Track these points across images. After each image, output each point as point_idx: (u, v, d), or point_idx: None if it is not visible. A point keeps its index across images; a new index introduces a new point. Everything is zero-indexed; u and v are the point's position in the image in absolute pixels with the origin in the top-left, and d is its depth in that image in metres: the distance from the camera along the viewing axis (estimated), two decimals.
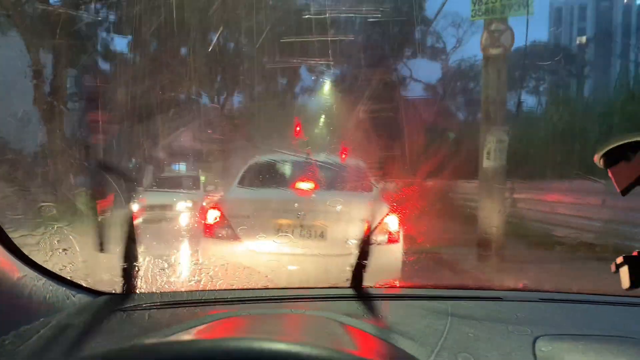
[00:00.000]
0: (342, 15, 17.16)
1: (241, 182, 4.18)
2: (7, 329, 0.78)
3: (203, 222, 3.54)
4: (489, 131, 6.41)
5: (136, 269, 1.05)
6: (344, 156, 5.21)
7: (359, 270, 1.18)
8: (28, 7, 9.94)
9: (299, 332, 0.74)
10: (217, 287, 1.09)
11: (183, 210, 8.14)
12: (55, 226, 0.95)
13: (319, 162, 4.38)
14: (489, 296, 1.13)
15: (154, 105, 11.89)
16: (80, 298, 0.98)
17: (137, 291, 1.07)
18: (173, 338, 0.43)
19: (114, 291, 1.05)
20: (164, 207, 7.96)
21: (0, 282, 0.83)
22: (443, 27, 20.00)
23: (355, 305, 1.04)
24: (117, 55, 14.18)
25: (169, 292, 1.07)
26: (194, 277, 1.13)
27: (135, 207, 7.63)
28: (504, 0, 6.63)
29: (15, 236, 0.91)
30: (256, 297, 1.07)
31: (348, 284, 1.23)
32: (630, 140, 0.73)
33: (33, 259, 0.92)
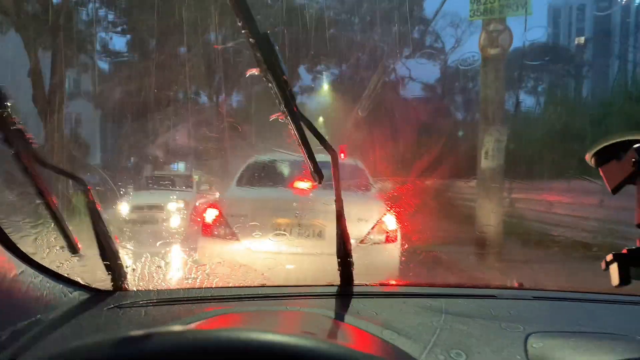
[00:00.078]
0: (341, 15, 17.19)
1: (240, 182, 4.19)
2: (4, 325, 0.78)
3: (201, 221, 3.55)
4: (487, 131, 6.42)
5: (133, 266, 1.06)
6: (342, 156, 5.22)
7: (345, 268, 1.19)
8: (27, 6, 9.93)
9: (294, 328, 0.75)
10: (214, 285, 1.10)
11: (174, 210, 7.71)
12: (52, 224, 0.95)
13: (318, 161, 4.38)
14: (483, 294, 1.14)
15: (147, 104, 11.85)
16: (77, 295, 0.99)
17: (134, 289, 1.08)
18: (164, 329, 0.43)
19: (111, 289, 1.06)
20: (152, 207, 7.57)
21: None
22: (442, 27, 20.02)
23: (351, 303, 1.05)
24: (111, 53, 14.16)
25: (166, 289, 1.08)
26: (191, 275, 1.13)
27: (123, 207, 7.30)
28: (502, 0, 6.64)
29: (12, 233, 0.92)
30: (253, 294, 1.08)
31: (344, 282, 1.24)
32: (620, 140, 0.74)
33: (30, 256, 0.93)
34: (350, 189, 4.12)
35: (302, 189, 3.72)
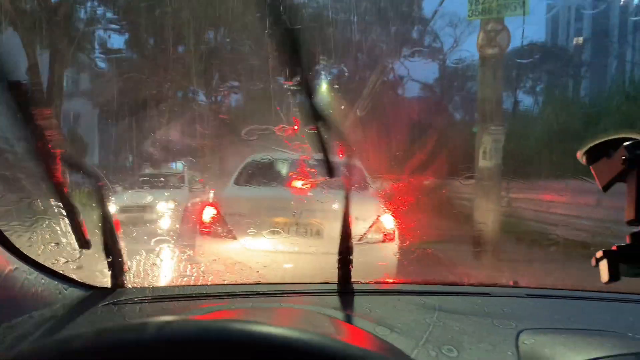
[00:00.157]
0: (339, 14, 17.18)
1: (237, 180, 4.20)
2: None
3: (199, 219, 3.55)
4: (485, 131, 6.44)
5: (128, 264, 1.06)
6: (340, 155, 5.21)
7: (343, 266, 1.19)
8: (24, 4, 9.91)
9: (286, 323, 0.76)
10: (209, 283, 1.10)
11: (164, 211, 7.39)
12: (47, 221, 0.96)
13: (315, 160, 4.39)
14: (476, 292, 1.15)
15: (143, 102, 11.81)
16: (72, 292, 0.99)
17: (129, 286, 1.08)
18: (155, 319, 0.43)
19: (106, 285, 1.06)
20: (141, 208, 7.25)
21: None
22: (440, 27, 20.03)
23: (345, 300, 1.05)
24: (109, 51, 14.13)
25: (161, 287, 1.09)
26: (186, 272, 1.14)
27: (110, 208, 7.28)
28: (500, 0, 6.65)
29: (6, 230, 0.92)
30: (248, 291, 1.08)
31: (339, 279, 1.25)
32: (611, 138, 0.75)
33: (25, 252, 0.93)
34: (348, 188, 4.12)
35: (300, 188, 3.73)
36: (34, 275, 0.92)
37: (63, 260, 1.04)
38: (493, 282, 1.27)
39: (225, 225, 3.41)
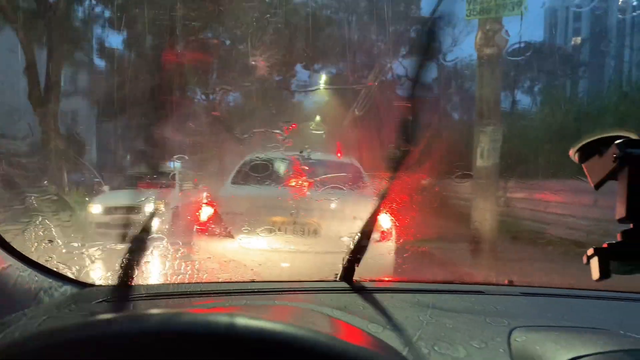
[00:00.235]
0: (338, 13, 17.19)
1: (235, 180, 4.20)
2: None
3: (193, 219, 3.56)
4: (482, 130, 6.45)
5: (122, 261, 1.06)
6: (338, 155, 5.23)
7: (349, 264, 1.20)
8: (22, 1, 9.89)
9: (280, 320, 0.76)
10: (204, 280, 1.11)
11: (151, 212, 7.19)
12: (40, 218, 0.96)
13: (313, 160, 4.40)
14: (471, 290, 1.15)
15: (140, 100, 11.75)
16: (66, 289, 0.99)
17: (124, 283, 1.08)
18: (141, 312, 0.44)
19: (99, 283, 1.06)
20: (125, 209, 6.77)
21: None
22: (438, 27, 19.99)
23: (339, 298, 1.05)
24: (107, 49, 14.09)
25: (155, 284, 1.09)
26: (181, 270, 1.14)
27: (93, 208, 6.26)
28: (498, 0, 6.67)
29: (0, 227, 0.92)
30: (242, 289, 1.08)
31: (334, 277, 1.25)
32: (602, 136, 0.75)
33: (18, 249, 0.93)
34: (345, 187, 4.13)
35: (298, 188, 3.73)
36: (27, 272, 0.92)
37: (56, 257, 1.04)
38: (487, 280, 1.27)
39: (222, 224, 3.42)
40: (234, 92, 16.38)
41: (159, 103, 12.06)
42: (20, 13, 9.69)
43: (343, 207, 3.58)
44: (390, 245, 3.35)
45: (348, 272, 1.19)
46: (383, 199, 1.23)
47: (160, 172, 8.36)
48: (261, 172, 4.40)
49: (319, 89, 16.03)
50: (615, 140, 0.72)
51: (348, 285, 1.16)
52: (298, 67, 15.83)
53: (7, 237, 0.93)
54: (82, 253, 1.03)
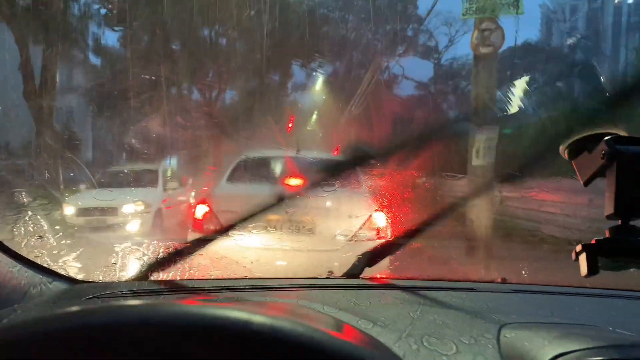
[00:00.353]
0: (334, 12, 17.18)
1: (230, 178, 4.20)
2: None
3: (184, 218, 3.57)
4: (478, 129, 6.46)
5: (113, 258, 1.06)
6: (335, 153, 5.24)
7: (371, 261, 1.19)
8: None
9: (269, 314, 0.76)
10: (195, 277, 1.10)
11: (131, 215, 6.36)
12: (30, 213, 0.95)
13: (309, 158, 4.41)
14: (463, 287, 1.15)
15: (135, 99, 11.66)
16: (56, 285, 0.99)
17: (115, 279, 1.08)
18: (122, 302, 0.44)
19: (90, 279, 1.06)
20: (103, 211, 6.22)
21: None
22: (435, 26, 20.05)
23: (331, 295, 1.06)
24: (104, 47, 14.04)
25: (146, 281, 1.08)
26: (172, 267, 1.14)
27: (68, 209, 5.81)
28: None
29: None
30: (234, 286, 1.08)
31: (327, 275, 1.25)
32: (591, 133, 0.76)
33: (8, 245, 0.92)
34: (341, 185, 4.13)
35: (293, 186, 3.73)
36: (17, 268, 0.91)
37: (47, 253, 1.04)
38: (479, 278, 1.28)
39: (217, 222, 3.41)
40: (230, 91, 16.35)
41: (153, 101, 12.00)
42: (16, 8, 9.63)
43: (338, 205, 3.59)
44: (385, 243, 3.36)
45: (356, 268, 1.20)
46: (378, 198, 1.23)
47: (148, 170, 7.97)
48: (256, 170, 4.40)
49: (316, 87, 16.03)
50: (604, 137, 0.72)
51: (339, 282, 1.16)
52: (294, 65, 15.83)
53: None
54: (73, 249, 1.03)
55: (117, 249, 1.18)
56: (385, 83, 17.68)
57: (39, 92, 9.82)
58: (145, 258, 1.16)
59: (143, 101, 11.76)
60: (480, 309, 0.97)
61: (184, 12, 11.61)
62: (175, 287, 1.04)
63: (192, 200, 8.07)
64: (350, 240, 3.33)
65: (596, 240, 0.70)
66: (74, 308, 0.45)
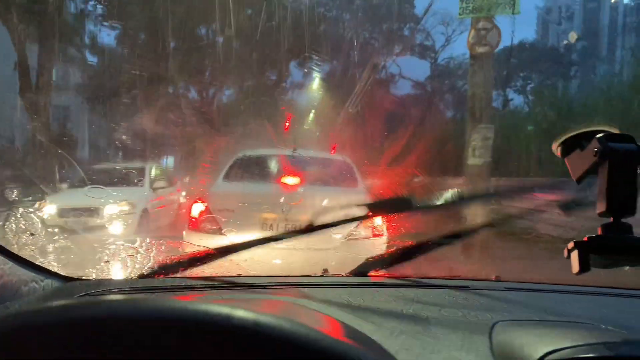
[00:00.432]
0: (332, 11, 17.18)
1: (227, 177, 4.19)
2: None
3: (187, 214, 3.55)
4: (474, 128, 6.47)
5: (107, 255, 1.05)
6: (332, 152, 5.24)
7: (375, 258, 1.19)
8: None
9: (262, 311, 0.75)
10: (188, 275, 1.10)
11: (113, 216, 5.95)
12: (21, 210, 0.95)
13: (306, 157, 4.41)
14: (456, 285, 1.15)
15: (131, 96, 11.58)
16: (48, 283, 0.98)
17: (108, 277, 1.07)
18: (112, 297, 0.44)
19: (83, 277, 1.05)
20: (85, 211, 5.82)
21: None
22: (432, 25, 20.08)
23: (324, 292, 1.06)
24: (100, 45, 13.98)
25: (138, 279, 1.08)
26: (165, 265, 1.13)
27: (47, 209, 5.45)
28: None
29: None
30: (228, 284, 1.08)
31: (321, 272, 1.25)
32: (584, 130, 0.76)
33: None
34: (338, 184, 4.14)
35: (290, 185, 3.73)
36: (8, 265, 0.91)
37: (39, 250, 1.03)
38: (474, 276, 1.28)
39: (212, 221, 3.40)
40: (226, 89, 16.33)
41: (147, 99, 11.94)
42: (12, 7, 9.58)
43: (335, 204, 3.58)
44: (380, 241, 3.36)
45: (363, 267, 1.20)
46: (374, 197, 1.23)
47: (134, 168, 7.61)
48: (253, 169, 4.40)
49: (313, 86, 16.03)
50: (597, 134, 0.72)
51: (332, 280, 1.16)
52: (291, 64, 15.83)
53: None
54: (65, 247, 1.02)
55: (110, 247, 1.18)
56: (382, 82, 17.70)
57: (33, 90, 9.78)
58: (139, 256, 1.15)
59: (136, 99, 11.71)
60: (473, 306, 0.97)
61: (180, 10, 11.58)
62: (167, 285, 1.03)
63: (182, 201, 7.91)
64: (346, 239, 3.33)
65: (588, 237, 0.70)
66: (55, 303, 0.45)
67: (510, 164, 9.17)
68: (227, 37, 14.31)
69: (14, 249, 0.96)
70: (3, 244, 0.93)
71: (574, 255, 0.70)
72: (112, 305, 0.46)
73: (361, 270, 1.21)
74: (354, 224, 3.43)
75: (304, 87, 16.88)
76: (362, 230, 3.44)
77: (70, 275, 1.04)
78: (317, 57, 13.59)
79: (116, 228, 5.85)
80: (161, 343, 0.42)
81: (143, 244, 1.20)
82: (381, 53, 16.65)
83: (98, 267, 1.07)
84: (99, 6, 13.43)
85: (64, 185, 6.68)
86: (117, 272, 1.13)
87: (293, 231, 1.15)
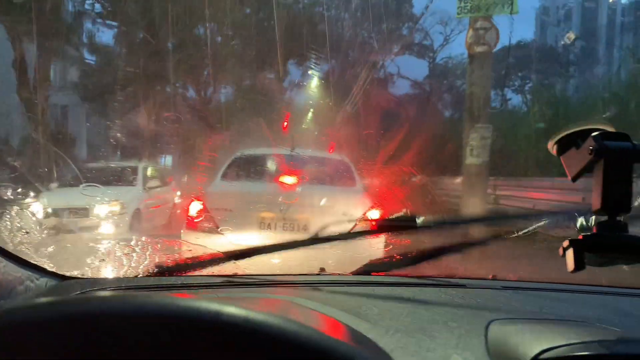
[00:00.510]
0: (330, 10, 17.18)
1: (224, 176, 4.18)
2: None
3: (185, 214, 3.54)
4: (472, 128, 6.49)
5: (103, 253, 1.05)
6: (330, 151, 5.24)
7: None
8: None
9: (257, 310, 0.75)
10: (184, 273, 1.10)
11: (104, 216, 5.72)
12: (17, 208, 0.94)
13: (304, 156, 4.40)
14: (452, 283, 1.15)
15: (128, 95, 11.53)
16: (43, 281, 0.98)
17: (103, 275, 1.07)
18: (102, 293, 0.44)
19: (78, 275, 1.05)
20: (75, 211, 5.59)
21: None
22: (430, 25, 20.12)
23: (320, 291, 1.05)
24: (97, 44, 13.94)
25: (134, 277, 1.08)
26: (162, 263, 1.13)
27: (35, 209, 5.16)
28: None
29: None
30: (225, 282, 1.08)
31: (318, 271, 1.25)
32: (580, 128, 0.76)
33: None
34: (336, 184, 4.13)
35: (288, 184, 3.72)
36: (3, 263, 0.90)
37: (34, 249, 1.03)
38: (471, 274, 1.28)
39: (211, 220, 3.40)
40: (225, 89, 16.30)
41: (144, 97, 11.90)
42: (9, 5, 9.55)
43: (333, 203, 3.58)
44: (377, 240, 3.36)
45: (364, 266, 1.20)
46: (373, 196, 1.24)
47: (127, 167, 7.42)
48: (251, 168, 4.39)
49: (311, 86, 16.03)
50: (592, 133, 0.72)
51: (329, 279, 1.16)
52: (290, 63, 15.82)
53: None
54: (61, 245, 1.02)
55: (107, 245, 1.18)
56: (381, 81, 17.71)
57: (30, 88, 9.76)
58: (135, 255, 1.15)
59: (132, 97, 11.67)
60: (469, 305, 0.97)
61: (177, 8, 11.55)
62: (164, 284, 1.03)
63: (177, 201, 7.79)
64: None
65: (583, 235, 0.70)
66: (43, 299, 0.45)
67: (508, 163, 9.18)
68: (225, 36, 14.30)
69: (9, 247, 0.96)
70: None
71: (569, 253, 0.70)
72: (100, 301, 0.46)
73: (359, 270, 1.21)
74: (352, 224, 3.43)
75: (303, 86, 16.89)
76: (360, 229, 3.43)
77: (66, 274, 1.04)
78: (315, 56, 13.59)
79: (106, 228, 5.64)
80: (149, 338, 0.42)
81: (139, 243, 1.19)
82: (380, 52, 16.64)
83: (94, 265, 1.07)
84: (95, 4, 13.40)
85: (54, 185, 6.51)
86: (113, 270, 1.13)
87: (295, 242, 1.15)
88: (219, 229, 3.30)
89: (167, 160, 15.24)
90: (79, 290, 0.97)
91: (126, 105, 11.67)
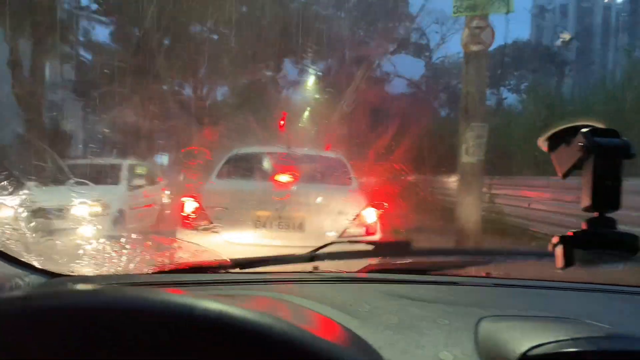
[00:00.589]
0: (327, 9, 17.15)
1: (220, 174, 4.17)
2: None
3: (178, 213, 3.53)
4: (468, 127, 6.49)
5: (92, 251, 1.04)
6: (325, 150, 5.24)
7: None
8: None
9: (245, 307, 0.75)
10: (177, 271, 1.09)
11: (82, 217, 5.37)
12: (2, 206, 0.93)
13: (300, 155, 4.40)
14: (445, 281, 1.16)
15: (125, 94, 11.46)
16: (33, 279, 0.97)
17: (94, 273, 1.06)
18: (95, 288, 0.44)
19: (68, 273, 1.04)
20: (50, 212, 5.18)
21: None
22: (427, 24, 20.13)
23: (311, 288, 1.05)
24: (94, 42, 13.88)
25: (125, 274, 1.07)
26: (153, 261, 1.12)
27: (7, 211, 5.11)
28: None
29: None
30: (216, 280, 1.08)
31: (310, 268, 1.25)
32: (570, 125, 0.76)
33: None
34: (332, 182, 4.14)
35: (283, 182, 3.72)
36: None
37: (22, 246, 1.02)
38: (463, 272, 1.28)
39: (206, 219, 3.39)
40: (220, 87, 16.27)
41: (137, 94, 11.84)
42: (4, 3, 9.47)
43: (328, 202, 3.58)
44: (373, 239, 3.36)
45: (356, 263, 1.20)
46: (370, 195, 1.23)
47: (110, 165, 7.11)
48: (246, 167, 4.38)
49: (308, 84, 16.02)
50: (582, 129, 0.72)
51: (320, 276, 1.16)
52: (286, 62, 15.79)
53: None
54: (50, 242, 1.01)
55: (96, 243, 1.17)
56: (377, 80, 17.72)
57: (28, 87, 9.70)
58: (127, 252, 1.14)
59: (119, 94, 11.59)
60: (461, 302, 0.97)
61: (174, 6, 11.51)
62: (154, 281, 1.03)
63: (166, 201, 7.55)
64: (341, 236, 3.33)
65: (573, 232, 0.70)
66: (20, 293, 0.44)
67: (503, 162, 9.20)
68: (221, 34, 14.25)
69: None
70: None
71: (559, 249, 0.70)
72: (72, 295, 0.46)
73: (352, 267, 1.21)
74: (348, 222, 3.44)
75: (299, 85, 16.87)
76: (356, 228, 3.44)
77: (54, 271, 1.03)
78: (311, 55, 13.58)
79: (85, 230, 5.25)
80: (122, 332, 0.41)
81: (130, 240, 1.18)
82: (376, 51, 16.64)
83: (83, 263, 1.06)
84: (95, 4, 13.35)
85: (31, 183, 5.87)
86: (104, 268, 1.12)
87: (296, 257, 1.15)
88: (214, 228, 3.30)
89: (164, 159, 15.18)
90: (68, 287, 0.96)
91: (115, 102, 11.59)
